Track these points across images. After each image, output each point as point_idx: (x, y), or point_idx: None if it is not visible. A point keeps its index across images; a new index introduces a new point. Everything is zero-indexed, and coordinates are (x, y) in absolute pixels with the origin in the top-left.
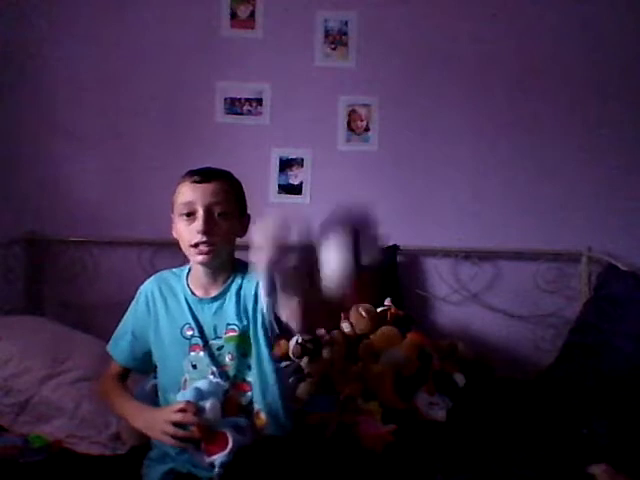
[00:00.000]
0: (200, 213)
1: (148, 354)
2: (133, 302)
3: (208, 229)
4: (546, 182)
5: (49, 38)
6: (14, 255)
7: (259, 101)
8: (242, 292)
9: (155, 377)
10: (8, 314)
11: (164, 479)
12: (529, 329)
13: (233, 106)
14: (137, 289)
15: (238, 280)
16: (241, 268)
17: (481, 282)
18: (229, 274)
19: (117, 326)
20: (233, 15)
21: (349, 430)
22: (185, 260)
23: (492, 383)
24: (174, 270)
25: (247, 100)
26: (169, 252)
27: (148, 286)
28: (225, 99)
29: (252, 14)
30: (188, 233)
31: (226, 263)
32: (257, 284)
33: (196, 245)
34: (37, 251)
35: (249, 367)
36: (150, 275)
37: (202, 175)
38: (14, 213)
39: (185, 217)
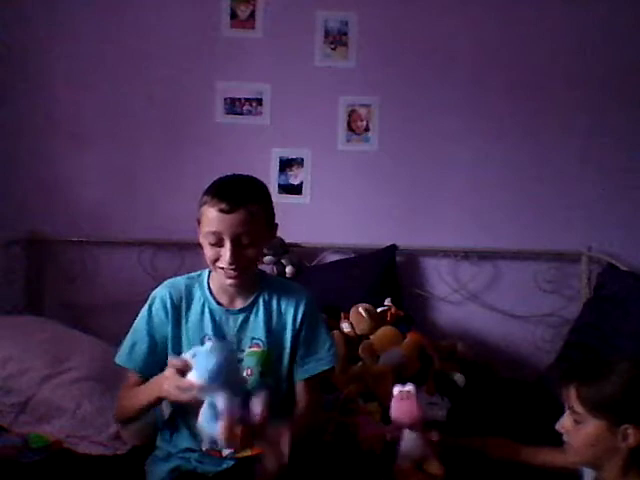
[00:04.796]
0: (227, 245)
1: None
2: (144, 309)
3: (235, 260)
4: (546, 182)
5: (49, 38)
6: (14, 255)
7: (259, 101)
8: (273, 308)
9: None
10: (8, 314)
11: (169, 477)
12: (529, 329)
13: (233, 106)
14: (137, 289)
15: (265, 294)
16: (267, 280)
17: (481, 282)
18: (256, 286)
19: (117, 327)
20: (233, 15)
21: (349, 430)
22: (185, 261)
23: (492, 383)
24: (190, 275)
25: (247, 100)
26: (169, 252)
27: (162, 292)
28: (225, 99)
29: (252, 14)
30: (215, 254)
31: (252, 276)
32: (298, 307)
33: (223, 268)
34: (37, 251)
35: (264, 387)
36: (150, 275)
37: (229, 202)
38: (14, 213)
39: (211, 242)
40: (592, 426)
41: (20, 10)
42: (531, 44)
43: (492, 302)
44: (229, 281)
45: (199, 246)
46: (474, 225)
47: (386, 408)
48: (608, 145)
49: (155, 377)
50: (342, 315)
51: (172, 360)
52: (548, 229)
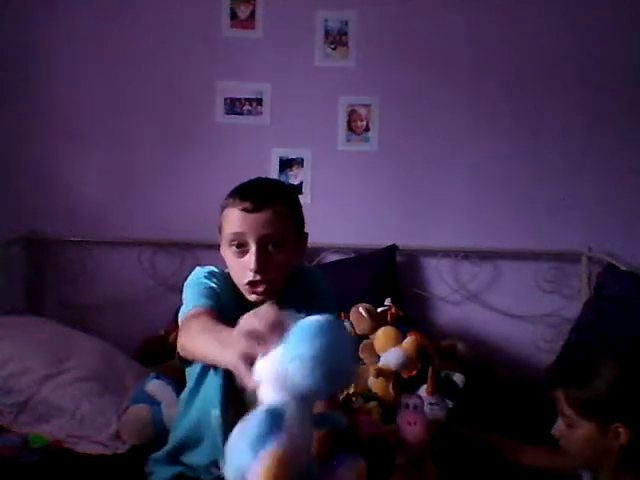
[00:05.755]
0: (252, 249)
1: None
2: (198, 278)
3: (262, 267)
4: (546, 182)
5: (49, 39)
6: (14, 255)
7: (259, 101)
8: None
9: (156, 377)
10: (8, 314)
11: None
12: (529, 329)
13: (233, 106)
14: (137, 289)
15: (288, 291)
16: (291, 277)
17: (481, 282)
18: (280, 294)
19: (117, 327)
20: (233, 15)
21: (349, 429)
22: (185, 261)
23: (492, 383)
24: (223, 270)
25: (247, 100)
26: (169, 252)
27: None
28: (225, 99)
29: (252, 14)
30: (240, 269)
31: (279, 290)
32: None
33: (249, 283)
34: (37, 251)
35: None
36: (150, 275)
37: (254, 201)
38: (14, 213)
39: (235, 248)
40: (584, 428)
41: (20, 10)
42: (531, 44)
43: (492, 302)
44: (253, 297)
45: (199, 246)
46: (474, 225)
47: (386, 408)
48: (608, 145)
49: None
50: (342, 315)
51: (260, 313)
52: (548, 229)
